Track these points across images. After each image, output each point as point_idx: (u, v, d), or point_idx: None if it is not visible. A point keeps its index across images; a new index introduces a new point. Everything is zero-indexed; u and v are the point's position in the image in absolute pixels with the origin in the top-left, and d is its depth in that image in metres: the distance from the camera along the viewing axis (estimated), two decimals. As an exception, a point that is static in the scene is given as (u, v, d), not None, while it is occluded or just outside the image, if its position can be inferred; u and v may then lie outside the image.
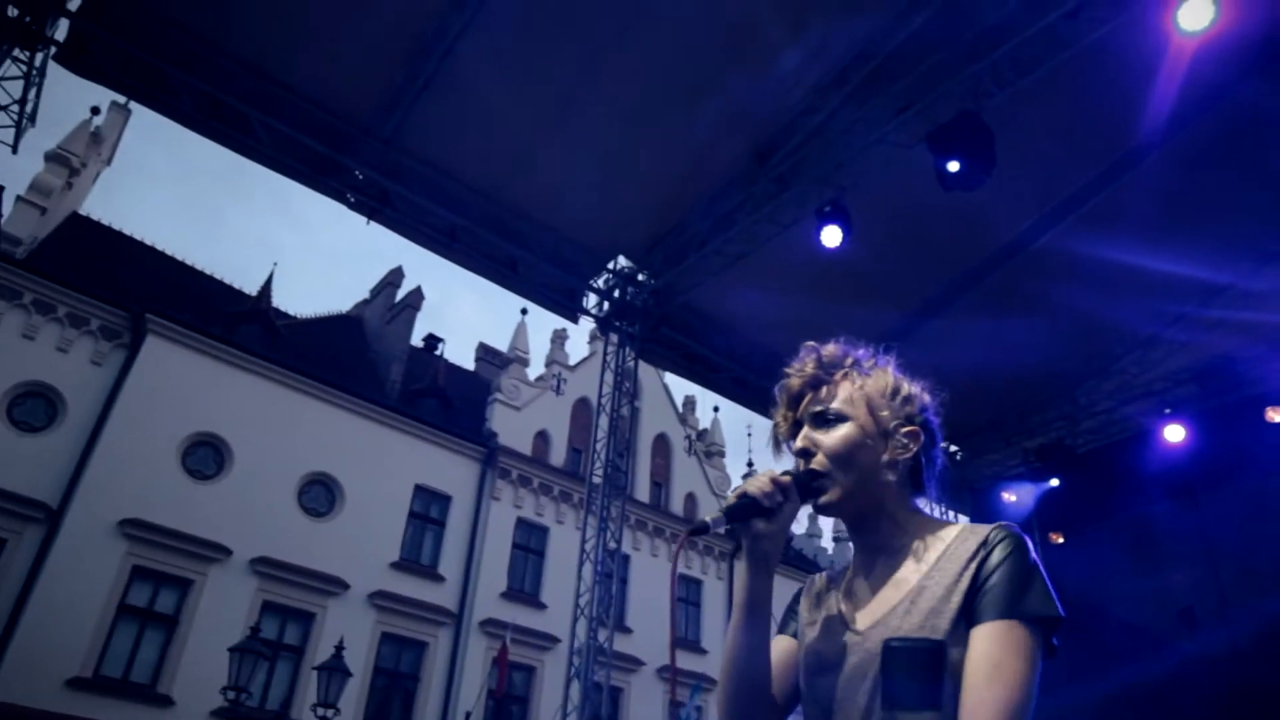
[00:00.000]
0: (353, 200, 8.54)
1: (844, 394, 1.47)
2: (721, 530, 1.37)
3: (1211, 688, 9.06)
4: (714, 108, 7.96)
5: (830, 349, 1.52)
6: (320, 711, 10.90)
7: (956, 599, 1.29)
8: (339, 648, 11.29)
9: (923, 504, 1.50)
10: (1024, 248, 8.93)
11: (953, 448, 11.57)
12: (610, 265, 9.38)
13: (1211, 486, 9.49)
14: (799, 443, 1.46)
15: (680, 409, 25.39)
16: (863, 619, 1.38)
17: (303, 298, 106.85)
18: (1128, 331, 9.79)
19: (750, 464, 30.13)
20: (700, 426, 26.25)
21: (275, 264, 40.78)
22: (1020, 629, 1.23)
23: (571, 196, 8.82)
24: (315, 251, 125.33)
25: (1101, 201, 8.43)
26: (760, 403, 10.12)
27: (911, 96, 7.10)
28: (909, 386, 1.51)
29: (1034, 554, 1.30)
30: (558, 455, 21.36)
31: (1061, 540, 10.81)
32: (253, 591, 15.37)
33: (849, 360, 1.51)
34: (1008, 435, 10.95)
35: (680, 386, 24.15)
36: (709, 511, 1.50)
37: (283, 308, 21.19)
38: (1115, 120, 7.71)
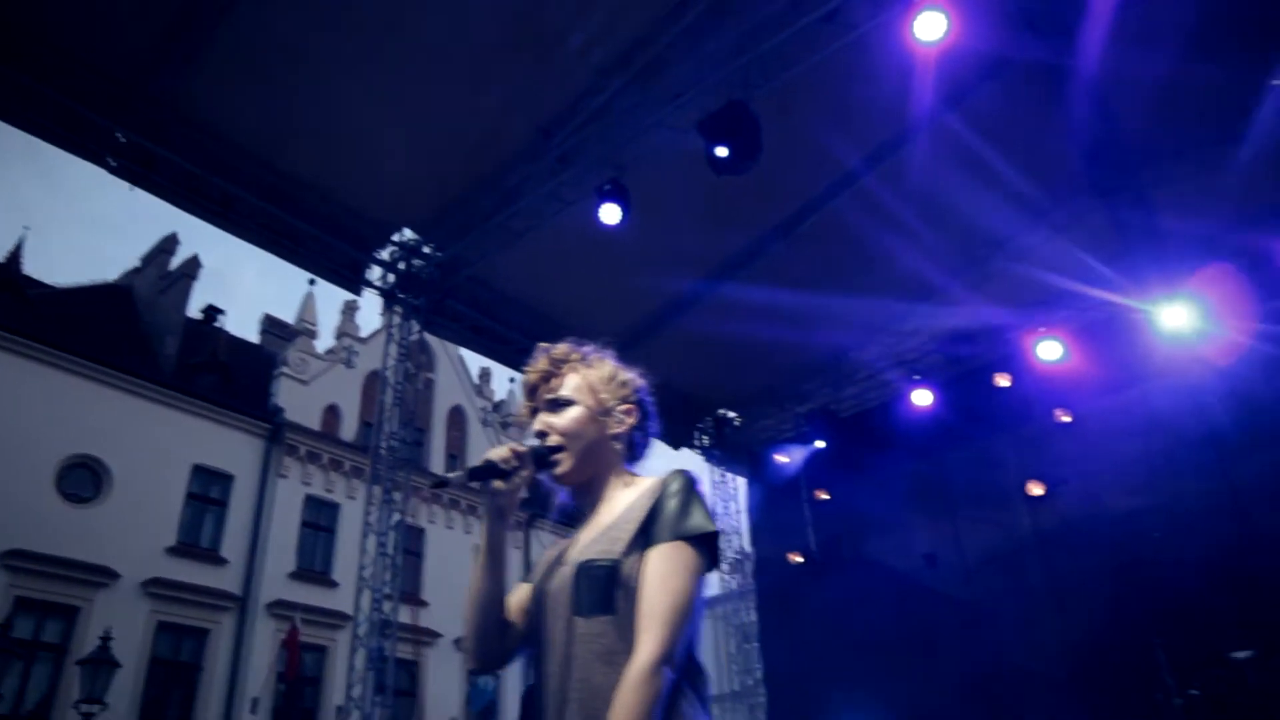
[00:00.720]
0: (114, 165, 7.97)
1: (572, 383, 1.80)
2: (459, 485, 1.69)
3: (950, 618, 10.23)
4: (500, 84, 8.02)
5: (559, 347, 1.86)
6: (84, 708, 10.25)
7: (631, 526, 1.60)
8: (105, 639, 10.64)
9: (637, 468, 1.83)
10: (795, 228, 9.61)
11: (732, 414, 12.32)
12: (395, 237, 9.26)
13: (951, 445, 10.61)
14: (536, 425, 1.78)
15: (476, 381, 25.30)
16: (571, 555, 1.69)
17: (62, 266, 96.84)
18: (884, 305, 10.72)
19: (549, 434, 30.41)
20: (496, 398, 26.25)
21: (26, 228, 36.90)
22: (685, 548, 1.55)
23: (354, 167, 8.63)
24: (76, 216, 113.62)
25: (860, 189, 9.19)
26: (549, 375, 10.35)
27: (686, 84, 7.47)
28: (625, 373, 1.87)
29: (699, 489, 1.63)
30: (349, 429, 20.80)
31: (827, 497, 11.76)
32: (3, 589, 14.07)
33: (574, 355, 1.85)
34: (781, 401, 11.79)
35: (476, 359, 24.12)
36: (453, 471, 1.77)
37: (37, 276, 19.33)
38: (876, 113, 8.39)
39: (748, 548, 13.07)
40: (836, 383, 11.43)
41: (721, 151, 6.99)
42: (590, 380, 1.81)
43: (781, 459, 11.95)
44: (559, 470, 1.74)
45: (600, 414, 1.78)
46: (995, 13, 7.48)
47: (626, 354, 1.94)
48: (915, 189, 9.07)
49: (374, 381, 20.90)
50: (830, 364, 11.36)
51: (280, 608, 17.52)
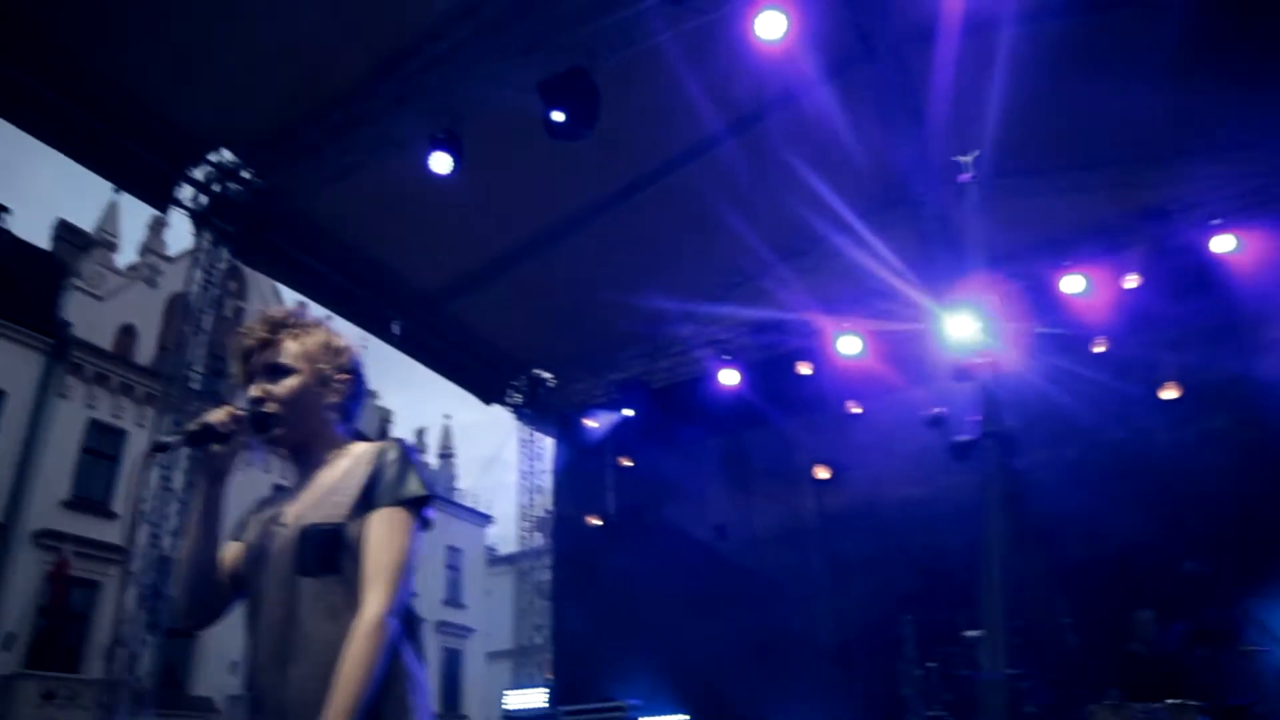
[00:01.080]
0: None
1: (291, 350, 1.83)
2: (179, 448, 1.74)
3: (735, 587, 10.85)
4: (342, 12, 7.70)
5: (276, 312, 1.90)
6: None
7: (354, 491, 1.71)
8: None
9: (347, 432, 1.91)
10: (623, 201, 9.78)
11: (547, 375, 12.47)
12: (212, 157, 8.72)
13: (751, 424, 11.17)
14: (253, 391, 1.80)
15: (293, 316, 24.25)
16: (288, 516, 1.76)
17: None
18: (702, 286, 11.08)
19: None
20: (313, 335, 25.26)
21: None
22: (401, 511, 1.69)
23: (173, 74, 8.03)
24: None
25: (688, 173, 9.45)
26: (364, 315, 10.14)
27: (532, 43, 7.43)
28: (341, 342, 1.92)
29: (414, 458, 1.76)
30: (145, 353, 19.50)
31: (630, 464, 12.15)
32: None
33: (292, 321, 1.88)
34: (596, 367, 12.05)
35: (293, 293, 23.10)
36: (172, 434, 1.79)
37: None
38: (712, 102, 8.58)
39: (551, 507, 13.31)
40: (651, 355, 11.78)
41: (559, 116, 7.04)
42: (308, 348, 1.85)
43: (591, 423, 12.24)
44: (275, 433, 1.79)
45: (317, 382, 1.84)
46: (833, 20, 7.85)
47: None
48: (740, 180, 9.39)
49: (178, 304, 19.66)
50: (646, 337, 11.68)
51: (49, 538, 16.31)
